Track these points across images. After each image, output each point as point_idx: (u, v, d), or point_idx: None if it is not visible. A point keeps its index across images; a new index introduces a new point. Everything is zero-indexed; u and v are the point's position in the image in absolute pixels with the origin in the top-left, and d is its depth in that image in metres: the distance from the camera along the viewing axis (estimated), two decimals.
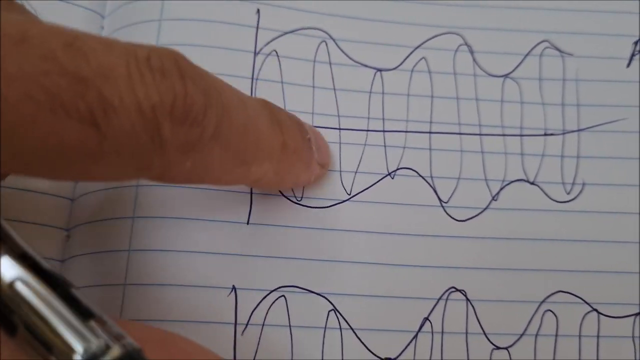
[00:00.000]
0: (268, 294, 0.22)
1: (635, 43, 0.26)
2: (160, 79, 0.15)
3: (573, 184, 0.24)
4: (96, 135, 0.14)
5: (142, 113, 0.15)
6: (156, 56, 0.15)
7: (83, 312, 0.14)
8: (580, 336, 0.23)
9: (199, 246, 0.22)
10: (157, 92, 0.15)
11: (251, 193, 0.23)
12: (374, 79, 0.25)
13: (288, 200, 0.23)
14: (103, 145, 0.14)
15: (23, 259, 0.14)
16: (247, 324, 0.22)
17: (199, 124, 0.16)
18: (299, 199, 0.23)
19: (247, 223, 0.23)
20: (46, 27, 0.14)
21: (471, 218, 0.24)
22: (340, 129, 0.24)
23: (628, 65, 0.26)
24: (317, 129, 0.24)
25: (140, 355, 0.14)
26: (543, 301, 0.23)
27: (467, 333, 0.23)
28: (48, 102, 0.13)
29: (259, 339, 0.22)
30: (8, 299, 0.13)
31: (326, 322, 0.22)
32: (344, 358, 0.22)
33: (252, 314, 0.22)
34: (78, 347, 0.13)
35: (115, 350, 0.13)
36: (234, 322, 0.22)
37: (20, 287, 0.14)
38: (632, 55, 0.26)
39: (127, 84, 0.14)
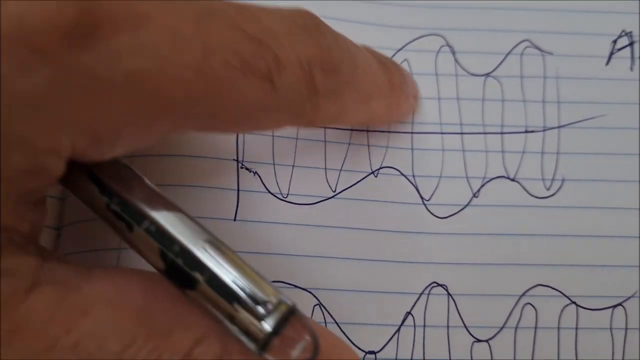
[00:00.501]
0: None
1: (614, 41, 0.26)
2: (308, 36, 0.17)
3: (553, 180, 0.25)
4: (271, 90, 0.16)
5: (302, 67, 0.17)
6: (298, 15, 0.17)
7: (256, 272, 0.16)
8: (559, 328, 0.23)
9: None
10: (309, 47, 0.17)
11: (238, 190, 0.24)
12: None
13: (274, 197, 0.24)
14: (274, 99, 0.16)
15: (199, 224, 0.16)
16: None
17: (339, 72, 0.18)
18: (285, 196, 0.24)
19: (234, 219, 0.24)
20: (219, 1, 0.16)
21: (452, 215, 0.24)
22: (325, 127, 0.25)
23: (607, 63, 0.26)
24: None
25: (297, 309, 0.16)
26: (523, 295, 0.24)
27: (448, 326, 0.23)
28: (240, 65, 0.15)
29: None
30: (198, 258, 0.15)
31: (312, 316, 0.23)
32: None
33: None
34: (261, 297, 0.15)
35: (284, 305, 0.15)
36: None
37: (209, 248, 0.15)
38: (611, 53, 0.26)
39: (289, 42, 0.16)
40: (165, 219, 0.16)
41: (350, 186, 0.24)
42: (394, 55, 0.26)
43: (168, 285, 0.16)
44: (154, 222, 0.15)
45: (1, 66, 0.12)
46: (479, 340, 0.23)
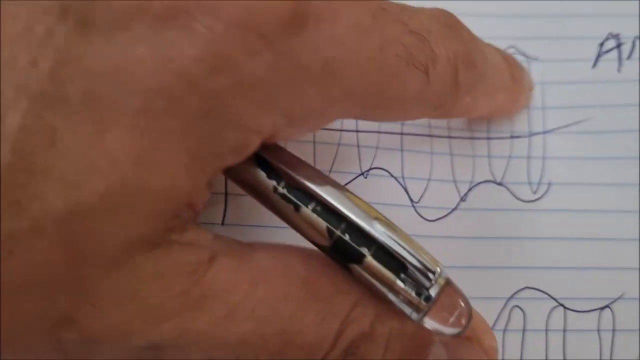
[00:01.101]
0: None
1: (601, 44, 0.27)
2: (452, 33, 0.19)
3: (539, 183, 0.25)
4: (426, 82, 0.17)
5: (449, 61, 0.18)
6: (442, 14, 0.19)
7: (418, 245, 0.17)
8: (547, 330, 0.23)
9: None
10: (454, 44, 0.18)
11: (226, 194, 0.24)
12: None
13: None
14: (427, 91, 0.18)
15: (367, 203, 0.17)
16: None
17: (476, 66, 0.20)
18: None
19: (222, 224, 0.23)
20: None
21: (441, 218, 0.24)
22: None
23: (594, 65, 0.27)
24: None
25: (451, 279, 0.17)
26: (511, 297, 0.24)
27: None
28: (406, 57, 0.17)
29: None
30: (367, 232, 0.16)
31: None
32: None
33: None
34: (430, 266, 0.16)
35: (443, 278, 0.17)
36: None
37: (376, 223, 0.16)
38: (598, 55, 0.27)
39: (440, 38, 0.18)
40: (333, 197, 0.16)
41: None
42: None
43: (324, 259, 0.17)
44: (321, 202, 0.16)
45: (231, 49, 0.13)
46: None
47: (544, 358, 0.23)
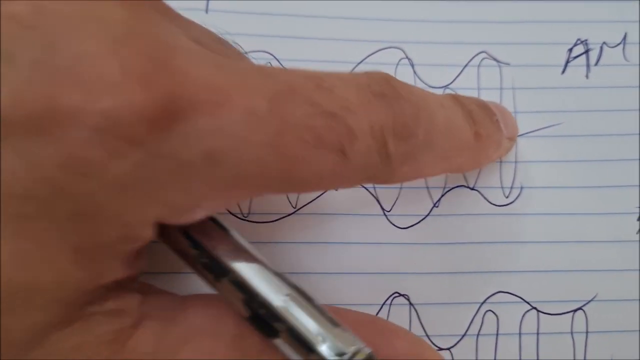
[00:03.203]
0: None
1: (570, 50, 0.27)
2: (381, 103, 0.17)
3: (511, 187, 0.25)
4: (342, 161, 0.16)
5: (374, 135, 0.17)
6: (374, 81, 0.18)
7: (331, 321, 0.16)
8: (520, 334, 0.24)
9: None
10: (383, 115, 0.17)
11: None
12: None
13: (235, 217, 0.24)
14: (346, 168, 0.17)
15: (278, 275, 0.17)
16: None
17: (414, 135, 0.18)
18: (246, 215, 0.24)
19: None
20: (297, 72, 0.17)
21: (413, 225, 0.25)
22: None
23: (563, 71, 0.27)
24: None
25: (374, 356, 0.16)
26: (484, 302, 0.24)
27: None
28: (313, 140, 0.16)
29: None
30: (277, 311, 0.16)
31: None
32: None
33: None
34: (338, 349, 0.16)
35: (362, 354, 0.16)
36: None
37: (288, 301, 0.16)
38: (567, 62, 0.27)
39: (362, 112, 0.17)
40: (248, 272, 0.17)
41: (311, 201, 0.25)
42: (353, 68, 0.27)
43: None
44: (236, 276, 0.16)
45: (96, 154, 0.13)
46: (440, 349, 0.23)
47: None
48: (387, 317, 0.24)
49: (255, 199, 0.24)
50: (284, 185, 0.16)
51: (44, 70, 0.13)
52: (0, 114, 0.13)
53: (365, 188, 0.25)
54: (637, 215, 0.25)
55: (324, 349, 0.16)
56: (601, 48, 0.27)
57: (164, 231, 0.17)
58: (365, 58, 0.27)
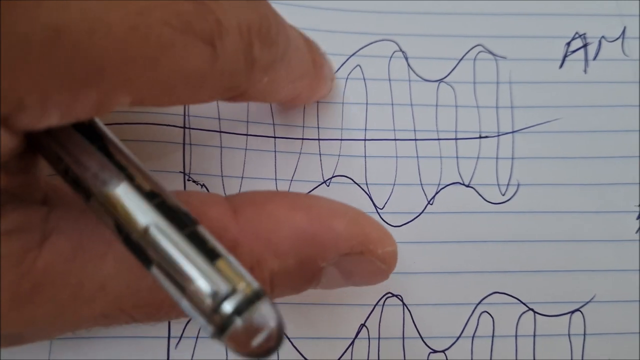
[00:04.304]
0: None
1: (568, 44, 0.26)
2: (249, 3, 0.16)
3: (508, 185, 0.25)
4: (212, 56, 0.15)
5: (242, 34, 0.16)
6: None
7: (210, 253, 0.14)
8: (516, 336, 0.23)
9: None
10: (250, 15, 0.16)
11: None
12: None
13: None
14: (214, 67, 0.15)
15: (151, 197, 0.15)
16: (180, 337, 0.22)
17: (276, 44, 0.17)
18: None
19: None
20: None
21: (407, 223, 0.24)
22: (275, 137, 0.24)
23: (561, 66, 0.26)
24: (252, 137, 0.24)
25: (263, 294, 0.14)
26: (479, 303, 0.23)
27: (403, 338, 0.23)
28: (180, 25, 0.14)
29: (193, 352, 0.22)
30: (144, 242, 0.14)
31: None
32: None
33: (185, 327, 0.22)
34: (207, 289, 0.14)
35: (241, 293, 0.14)
36: (167, 335, 0.22)
37: (153, 232, 0.14)
38: (565, 56, 0.26)
39: (231, 7, 0.15)
40: (113, 195, 0.14)
41: None
42: (346, 61, 0.26)
43: None
44: (102, 198, 0.14)
45: None
46: (435, 351, 0.23)
47: None
48: (380, 318, 0.23)
49: (244, 191, 0.23)
50: (147, 83, 0.14)
51: None
52: None
53: (357, 184, 0.24)
54: (637, 214, 0.24)
55: (195, 284, 0.14)
56: (600, 42, 0.26)
57: (37, 142, 0.15)
58: (358, 50, 0.26)
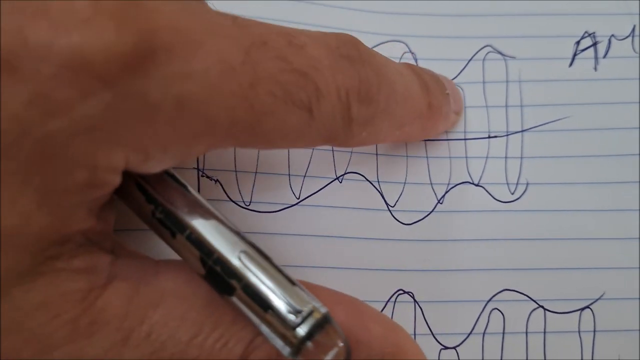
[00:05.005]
0: None
1: (577, 43, 0.27)
2: (349, 66, 0.18)
3: (517, 184, 0.25)
4: (308, 119, 0.17)
5: (340, 98, 0.17)
6: (342, 43, 0.18)
7: (289, 280, 0.16)
8: (527, 333, 0.23)
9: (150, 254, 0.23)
10: (349, 78, 0.18)
11: None
12: None
13: (236, 205, 0.24)
14: (310, 127, 0.17)
15: (237, 233, 0.17)
16: None
17: (376, 102, 0.19)
18: (248, 204, 0.24)
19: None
20: (270, 27, 0.17)
21: (418, 221, 0.24)
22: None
23: (570, 64, 0.26)
24: None
25: (330, 317, 0.16)
26: (489, 300, 0.23)
27: (415, 334, 0.23)
28: (283, 95, 0.16)
29: None
30: (234, 267, 0.16)
31: None
32: None
33: None
34: (288, 313, 0.16)
35: (318, 313, 0.16)
36: None
37: (245, 258, 0.16)
38: (574, 54, 0.26)
39: (330, 73, 0.17)
40: (203, 228, 0.16)
41: (315, 192, 0.24)
42: None
43: None
44: (193, 231, 0.16)
45: (64, 92, 0.13)
46: (446, 348, 0.23)
47: None
48: (392, 314, 0.23)
49: (258, 187, 0.24)
50: (249, 138, 0.16)
51: (11, 4, 0.13)
52: None
53: (369, 182, 0.24)
54: None
55: (279, 306, 0.16)
56: (609, 40, 0.26)
57: (123, 186, 0.16)
58: None
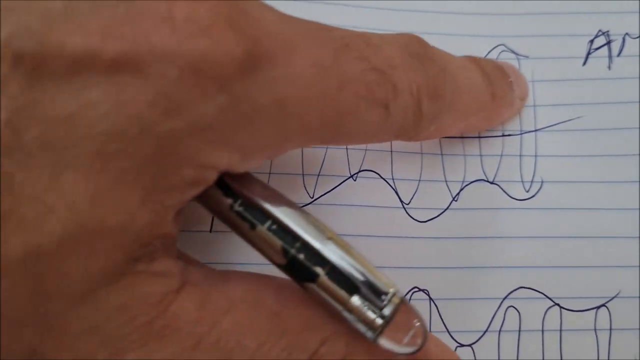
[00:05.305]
0: None
1: (591, 42, 0.27)
2: (418, 64, 0.19)
3: (532, 182, 0.25)
4: (385, 115, 0.18)
5: (412, 94, 0.18)
6: (411, 43, 0.19)
7: (371, 264, 0.17)
8: (542, 331, 0.23)
9: None
10: (419, 76, 0.18)
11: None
12: None
13: None
14: (387, 122, 0.18)
15: (320, 222, 0.17)
16: None
17: (442, 97, 0.19)
18: None
19: (210, 231, 0.23)
20: (347, 30, 0.17)
21: (432, 219, 0.24)
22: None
23: (584, 63, 0.26)
24: None
25: (406, 301, 0.17)
26: (505, 297, 0.23)
27: (430, 332, 0.23)
28: (365, 95, 0.17)
29: None
30: (320, 253, 0.16)
31: None
32: None
33: None
34: (381, 288, 0.16)
35: (398, 297, 0.17)
36: None
37: (331, 244, 0.17)
38: (588, 53, 0.26)
39: (404, 71, 0.18)
40: (288, 217, 0.17)
41: (329, 191, 0.24)
42: None
43: (297, 291, 0.17)
44: (276, 221, 0.16)
45: (186, 94, 0.14)
46: (462, 345, 0.23)
47: (541, 359, 0.23)
48: None
49: (272, 186, 0.23)
50: (332, 137, 0.17)
51: (134, 10, 0.13)
52: (90, 50, 0.13)
53: (384, 179, 0.24)
54: None
55: (365, 288, 0.16)
56: (623, 39, 0.26)
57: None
58: None
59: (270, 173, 0.24)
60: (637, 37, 0.26)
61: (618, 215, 0.24)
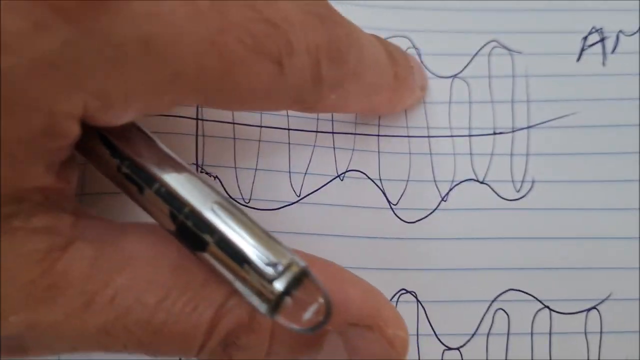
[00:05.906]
0: None
1: (585, 38, 0.26)
2: (320, 24, 0.17)
3: (522, 181, 0.24)
4: (279, 74, 0.16)
5: (310, 53, 0.17)
6: (314, 3, 0.17)
7: (264, 231, 0.16)
8: (532, 334, 0.23)
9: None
10: (320, 36, 0.17)
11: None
12: None
13: (236, 203, 0.23)
14: (280, 82, 0.17)
15: (210, 186, 0.16)
16: None
17: (345, 62, 0.18)
18: (247, 201, 0.23)
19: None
20: None
21: (421, 219, 0.24)
22: (289, 129, 0.24)
23: (578, 59, 0.26)
24: (265, 128, 0.24)
25: (309, 271, 0.16)
26: (494, 300, 0.23)
27: (418, 335, 0.23)
28: (253, 44, 0.15)
29: None
30: (207, 220, 0.15)
31: None
32: None
33: None
34: (265, 267, 0.15)
35: (296, 266, 0.15)
36: None
37: (218, 209, 0.15)
38: (582, 50, 0.26)
39: (302, 29, 0.17)
40: (174, 180, 0.16)
41: (315, 190, 0.24)
42: None
43: None
44: (163, 184, 0.16)
45: (20, 25, 0.12)
46: (450, 348, 0.23)
47: None
48: None
49: (257, 185, 0.23)
50: (217, 93, 0.16)
51: None
52: None
53: (371, 180, 0.24)
54: None
55: (255, 258, 0.15)
56: (617, 36, 0.26)
57: (85, 142, 0.16)
58: None
59: (256, 169, 0.24)
60: (631, 35, 0.26)
61: (611, 215, 0.24)
